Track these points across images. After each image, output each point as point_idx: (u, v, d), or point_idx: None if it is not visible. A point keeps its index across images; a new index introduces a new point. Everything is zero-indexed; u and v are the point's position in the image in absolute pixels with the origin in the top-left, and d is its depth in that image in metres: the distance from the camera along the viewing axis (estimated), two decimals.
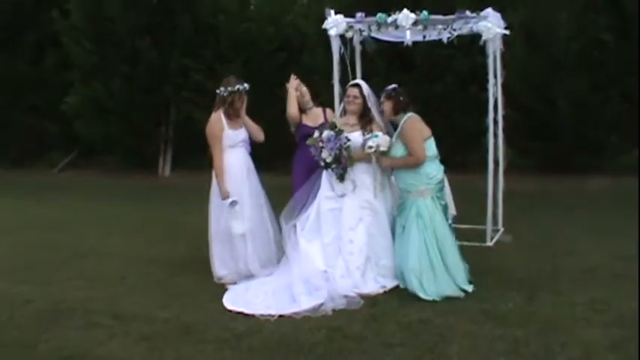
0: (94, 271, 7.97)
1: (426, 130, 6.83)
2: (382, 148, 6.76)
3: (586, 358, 5.13)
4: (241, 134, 7.29)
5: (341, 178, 7.00)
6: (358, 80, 7.40)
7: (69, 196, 13.75)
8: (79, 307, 6.63)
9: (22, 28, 17.18)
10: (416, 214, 6.74)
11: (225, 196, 7.05)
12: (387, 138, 6.81)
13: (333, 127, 6.99)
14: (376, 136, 6.80)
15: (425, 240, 6.71)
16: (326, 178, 7.12)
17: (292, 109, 7.61)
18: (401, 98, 6.90)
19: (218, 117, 7.23)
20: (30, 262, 8.44)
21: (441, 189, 6.91)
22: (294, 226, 7.12)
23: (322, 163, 7.01)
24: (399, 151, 6.81)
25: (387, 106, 6.94)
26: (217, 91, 7.24)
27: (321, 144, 6.96)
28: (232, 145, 7.24)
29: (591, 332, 5.57)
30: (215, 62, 15.19)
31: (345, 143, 6.90)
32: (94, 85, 15.62)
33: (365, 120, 7.10)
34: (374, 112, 7.12)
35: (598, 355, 5.15)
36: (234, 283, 7.13)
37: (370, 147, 6.75)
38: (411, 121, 6.84)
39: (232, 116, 7.22)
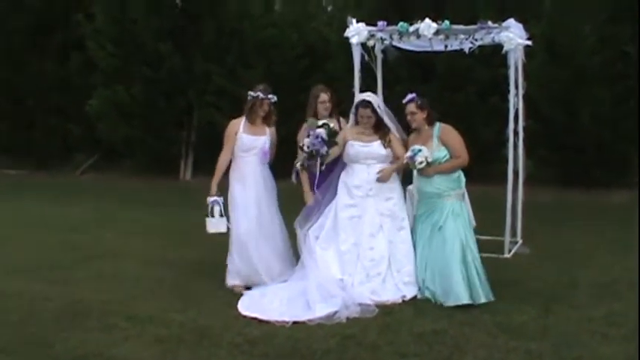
0: (112, 272, 8.02)
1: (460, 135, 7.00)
2: (429, 159, 6.79)
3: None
4: (258, 141, 7.30)
5: (302, 165, 7.18)
6: (366, 97, 7.22)
7: (90, 198, 13.84)
8: (96, 307, 6.68)
9: (49, 31, 17.34)
10: (454, 213, 6.81)
11: (211, 192, 7.20)
12: (426, 148, 6.83)
13: (330, 133, 7.00)
14: (420, 150, 6.81)
15: (466, 237, 6.79)
16: (342, 185, 7.12)
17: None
18: (430, 108, 7.01)
19: (239, 120, 7.34)
20: (50, 261, 8.51)
21: (463, 195, 7.01)
22: (308, 231, 7.12)
23: (300, 144, 7.11)
24: (442, 154, 6.87)
25: (421, 117, 6.98)
26: (248, 93, 7.34)
27: (311, 132, 7.03)
28: (246, 150, 7.29)
29: (607, 347, 5.52)
30: (238, 67, 15.25)
31: (322, 154, 7.00)
32: (116, 89, 15.73)
33: (382, 131, 7.10)
34: (387, 121, 7.14)
35: None
36: (248, 288, 7.17)
37: (421, 162, 6.78)
38: (448, 126, 7.01)
39: (254, 120, 7.30)
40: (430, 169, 6.87)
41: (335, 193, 7.19)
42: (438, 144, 6.91)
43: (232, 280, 7.30)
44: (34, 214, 11.97)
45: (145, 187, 15.50)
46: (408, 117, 7.03)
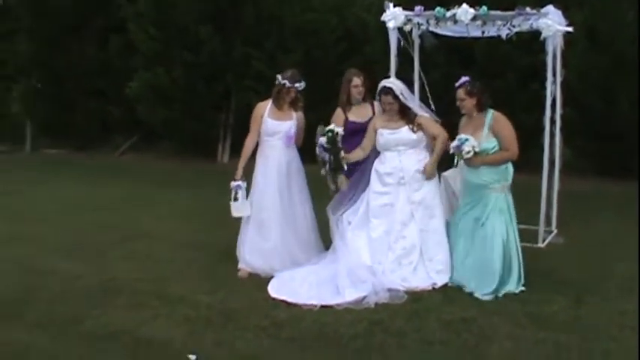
0: (144, 252, 8.12)
1: (512, 127, 6.83)
2: (477, 149, 6.65)
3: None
4: (281, 126, 7.28)
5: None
6: (389, 83, 7.14)
7: (128, 179, 14.01)
8: (127, 286, 6.80)
9: (90, 14, 17.52)
10: (499, 210, 6.71)
11: (237, 176, 7.25)
12: (473, 138, 6.68)
13: (329, 138, 6.95)
14: (467, 139, 6.66)
15: (509, 235, 6.71)
16: (375, 173, 7.08)
17: None
18: (482, 95, 6.82)
19: (265, 103, 7.36)
20: (83, 241, 8.66)
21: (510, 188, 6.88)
22: (342, 216, 7.10)
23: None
24: (492, 144, 6.72)
25: (470, 103, 6.81)
26: (277, 76, 7.35)
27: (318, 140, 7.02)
28: (269, 134, 7.29)
29: (636, 341, 5.41)
30: (277, 51, 15.24)
31: (325, 160, 7.04)
32: (156, 71, 15.84)
33: (408, 117, 7.02)
34: (413, 105, 7.07)
35: None
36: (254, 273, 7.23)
37: (468, 152, 6.64)
38: (501, 116, 6.81)
39: (280, 106, 7.30)
40: (477, 159, 6.71)
41: (369, 179, 7.16)
42: (488, 134, 6.73)
43: (242, 264, 7.34)
44: (72, 194, 12.16)
45: (183, 168, 15.63)
46: (458, 102, 6.89)
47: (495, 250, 6.65)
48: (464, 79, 6.89)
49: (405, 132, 7.00)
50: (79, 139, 18.33)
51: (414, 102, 7.15)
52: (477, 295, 6.52)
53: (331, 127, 7.01)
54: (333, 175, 7.21)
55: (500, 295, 6.51)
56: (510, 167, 6.84)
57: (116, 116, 17.60)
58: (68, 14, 17.38)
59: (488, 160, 6.73)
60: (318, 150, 7.04)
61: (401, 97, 6.97)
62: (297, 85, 7.25)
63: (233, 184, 7.25)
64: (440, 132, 6.98)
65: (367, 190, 7.14)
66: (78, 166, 16.18)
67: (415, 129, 6.98)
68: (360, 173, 7.24)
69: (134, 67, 16.52)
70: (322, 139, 6.96)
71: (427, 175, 6.97)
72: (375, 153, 7.19)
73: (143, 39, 16.13)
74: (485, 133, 6.74)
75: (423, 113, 7.10)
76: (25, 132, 19.20)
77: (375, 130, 7.10)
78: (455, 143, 6.72)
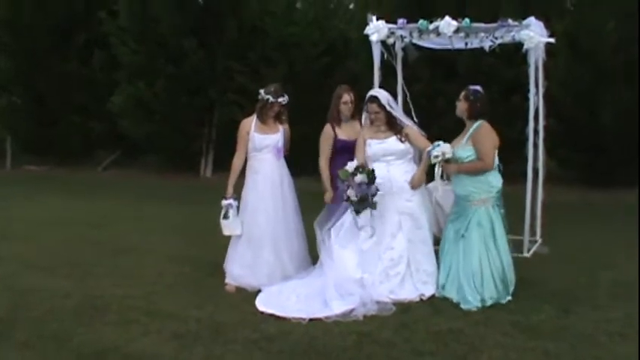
0: (132, 268, 8.09)
1: (497, 140, 6.88)
2: (447, 156, 6.74)
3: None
4: (268, 140, 7.32)
5: (357, 212, 6.94)
6: (374, 92, 7.24)
7: (112, 194, 13.94)
8: (115, 303, 6.75)
9: (72, 29, 17.46)
10: (477, 224, 6.77)
11: (227, 194, 7.23)
12: (447, 145, 6.78)
13: (369, 174, 6.81)
14: (438, 145, 6.77)
15: (487, 248, 6.75)
16: None
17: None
18: (478, 104, 6.89)
19: (250, 119, 7.37)
20: (71, 257, 8.59)
21: (500, 198, 6.93)
22: (329, 231, 7.12)
23: (345, 197, 6.93)
24: (467, 153, 6.80)
25: (462, 106, 6.93)
26: (259, 91, 7.36)
27: (350, 183, 6.86)
28: (258, 149, 7.31)
29: (626, 347, 5.50)
30: (260, 65, 15.28)
31: (374, 193, 6.83)
32: (139, 85, 15.82)
33: (396, 127, 7.08)
34: (399, 116, 7.13)
35: None
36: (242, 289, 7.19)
37: (436, 156, 6.74)
38: (486, 127, 6.88)
39: (265, 121, 7.32)
40: (452, 166, 6.83)
41: None
42: (466, 142, 6.84)
43: (229, 279, 7.33)
44: (56, 210, 12.07)
45: (166, 183, 15.59)
46: (457, 102, 7.01)
47: (473, 262, 6.72)
48: (475, 87, 7.00)
49: (392, 142, 7.05)
50: (60, 155, 18.20)
51: (399, 112, 7.19)
52: (462, 306, 6.57)
53: (352, 164, 6.88)
54: (362, 209, 6.97)
55: (486, 306, 6.56)
56: (492, 179, 6.86)
57: (98, 131, 17.52)
58: (48, 30, 17.29)
59: (462, 169, 6.82)
60: (359, 190, 6.79)
61: (387, 106, 7.03)
62: (280, 99, 7.28)
63: (224, 202, 7.24)
64: (426, 145, 7.01)
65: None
66: (60, 182, 16.05)
67: (403, 139, 7.03)
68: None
69: (116, 82, 16.49)
70: (360, 178, 6.77)
71: (414, 186, 7.01)
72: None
73: (125, 53, 16.11)
74: (464, 142, 6.85)
75: (408, 124, 7.14)
76: (6, 148, 19.06)
77: (364, 141, 7.12)
78: (429, 147, 6.83)
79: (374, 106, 7.04)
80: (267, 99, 7.25)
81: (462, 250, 6.82)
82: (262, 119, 7.32)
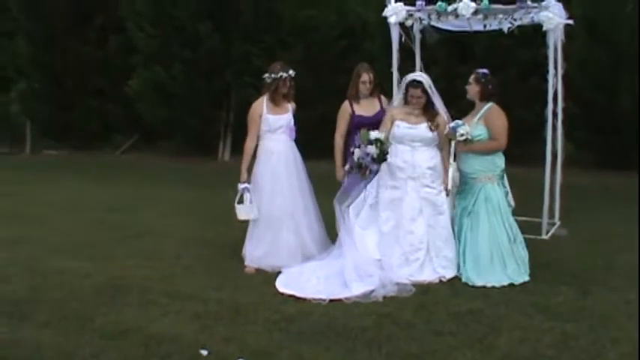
0: (151, 250, 8.16)
1: (507, 121, 6.95)
2: (469, 137, 6.78)
3: (637, 355, 5.04)
4: (282, 120, 7.36)
5: (350, 168, 7.03)
6: (418, 76, 7.15)
7: (130, 178, 14.04)
8: (135, 284, 6.81)
9: (89, 13, 17.53)
10: (485, 199, 6.84)
11: (241, 179, 7.23)
12: (467, 125, 6.83)
13: (381, 152, 6.79)
14: (463, 124, 6.81)
15: (495, 224, 6.79)
16: (385, 165, 6.99)
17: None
18: (490, 86, 6.98)
19: (260, 101, 7.37)
20: (90, 240, 8.68)
21: (503, 177, 6.99)
22: (348, 209, 7.13)
23: (351, 151, 7.00)
24: (477, 132, 6.85)
25: (474, 89, 7.00)
26: (263, 76, 7.35)
27: (360, 149, 6.88)
28: (272, 130, 7.34)
29: (637, 330, 5.47)
30: (276, 48, 15.25)
31: (372, 169, 6.88)
32: (155, 69, 15.88)
33: (430, 113, 7.01)
34: (437, 103, 7.07)
35: None
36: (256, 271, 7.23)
37: (462, 135, 6.76)
38: (497, 108, 6.97)
39: (277, 101, 7.32)
40: (465, 145, 6.88)
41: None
42: (477, 122, 6.89)
43: (249, 262, 7.35)
44: (75, 194, 12.18)
45: (184, 167, 15.66)
46: (466, 86, 7.06)
47: (480, 238, 6.79)
48: (483, 69, 7.09)
49: (423, 129, 7.00)
50: (79, 139, 18.35)
51: (438, 99, 7.10)
52: (477, 284, 6.63)
53: (377, 135, 6.85)
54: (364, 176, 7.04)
55: (503, 285, 6.60)
56: (497, 159, 6.95)
57: (116, 115, 17.62)
58: (66, 14, 17.39)
59: (475, 148, 6.86)
60: (363, 156, 6.83)
61: (429, 90, 6.99)
62: (290, 72, 7.31)
63: (240, 186, 7.25)
64: (447, 156, 7.03)
65: (373, 181, 7.15)
66: (79, 166, 16.19)
67: (433, 128, 6.99)
68: None
69: (133, 66, 16.56)
70: (371, 149, 6.79)
71: (445, 187, 7.01)
72: None
73: (141, 37, 16.15)
74: (475, 121, 6.91)
75: (443, 113, 7.09)
76: (25, 133, 19.20)
77: (392, 121, 7.07)
78: (451, 124, 6.85)
79: (417, 91, 6.95)
80: (281, 76, 7.25)
81: (469, 225, 6.90)
82: (275, 99, 7.32)
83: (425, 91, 6.96)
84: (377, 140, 6.79)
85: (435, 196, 7.00)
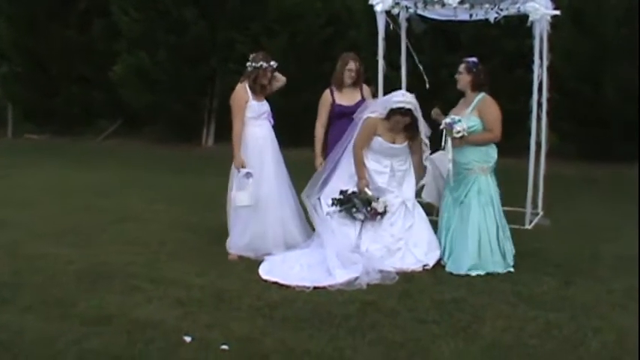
0: (134, 236, 8.11)
1: (500, 112, 6.94)
2: (465, 133, 6.76)
3: (619, 344, 5.09)
4: (265, 106, 7.37)
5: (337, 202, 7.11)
6: (405, 104, 6.91)
7: (113, 163, 13.94)
8: (119, 270, 6.79)
9: None
10: (477, 191, 6.84)
11: (239, 165, 7.17)
12: (463, 121, 6.79)
13: (364, 201, 6.97)
14: (460, 120, 6.76)
15: (486, 216, 6.81)
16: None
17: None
18: (481, 76, 6.94)
19: (243, 87, 7.32)
20: (73, 225, 8.62)
21: (495, 169, 6.99)
22: (319, 200, 7.18)
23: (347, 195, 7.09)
24: (470, 123, 6.81)
25: (465, 79, 6.95)
26: (247, 64, 7.31)
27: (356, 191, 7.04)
28: (256, 116, 7.31)
29: (627, 319, 5.52)
30: (261, 35, 15.17)
31: (357, 209, 6.97)
32: (140, 55, 15.76)
33: (411, 132, 7.05)
34: (420, 126, 7.07)
35: (632, 341, 5.10)
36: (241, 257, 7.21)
37: (459, 132, 6.74)
38: (490, 99, 6.93)
39: (256, 91, 7.29)
40: (460, 141, 6.86)
41: (346, 158, 7.22)
42: (470, 113, 6.86)
43: (232, 250, 7.32)
44: (57, 179, 12.09)
45: (167, 153, 15.58)
46: (456, 75, 7.03)
47: (469, 229, 6.79)
48: (472, 58, 7.03)
49: (403, 147, 7.12)
50: (61, 124, 18.18)
51: (422, 121, 7.08)
52: (459, 272, 6.66)
53: (369, 195, 7.01)
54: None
55: (487, 274, 6.65)
56: (491, 150, 6.95)
57: (99, 100, 17.49)
58: None
59: (470, 140, 6.83)
60: (354, 199, 6.98)
61: (417, 117, 6.99)
62: (272, 63, 7.28)
63: (243, 171, 7.12)
64: (419, 162, 7.20)
65: (342, 169, 7.22)
66: (62, 151, 16.05)
67: (411, 144, 7.12)
68: (331, 158, 7.32)
69: (117, 51, 16.41)
70: (358, 202, 6.97)
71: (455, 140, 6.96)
72: (352, 129, 7.21)
73: (126, 22, 16.01)
74: (468, 112, 6.87)
75: (424, 137, 7.13)
76: (7, 117, 19.02)
77: (374, 133, 7.06)
78: (447, 120, 6.81)
79: (406, 119, 6.94)
80: (261, 65, 7.22)
81: (459, 215, 6.91)
82: (254, 89, 7.28)
83: (414, 118, 6.97)
84: (359, 196, 7.01)
85: (411, 196, 7.16)
